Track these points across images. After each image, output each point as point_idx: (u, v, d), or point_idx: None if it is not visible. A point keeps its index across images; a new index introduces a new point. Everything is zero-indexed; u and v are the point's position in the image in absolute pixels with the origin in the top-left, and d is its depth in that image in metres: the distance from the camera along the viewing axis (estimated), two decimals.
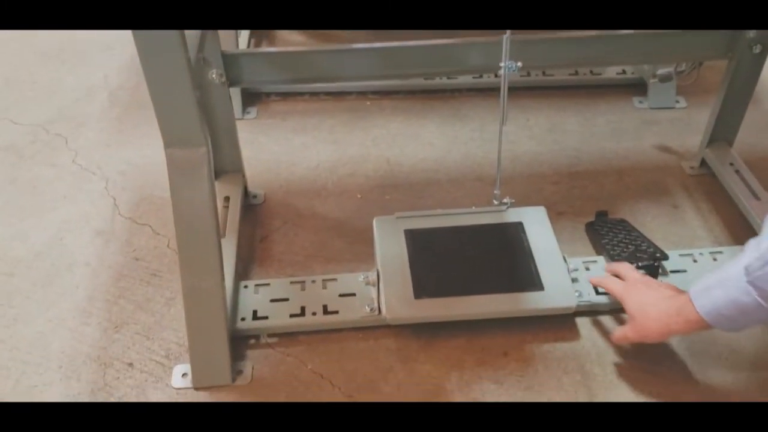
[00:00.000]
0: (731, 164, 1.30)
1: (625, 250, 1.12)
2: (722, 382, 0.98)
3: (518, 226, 1.13)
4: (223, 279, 0.97)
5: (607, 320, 1.07)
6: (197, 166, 0.91)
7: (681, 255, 1.14)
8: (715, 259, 1.14)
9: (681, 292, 0.91)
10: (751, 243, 0.82)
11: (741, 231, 1.21)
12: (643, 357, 1.01)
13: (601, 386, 0.98)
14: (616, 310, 1.07)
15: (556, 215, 1.24)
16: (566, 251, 1.10)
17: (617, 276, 1.03)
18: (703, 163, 1.35)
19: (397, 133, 1.46)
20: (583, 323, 1.07)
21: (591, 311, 1.07)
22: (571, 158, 1.39)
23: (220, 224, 1.16)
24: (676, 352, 1.02)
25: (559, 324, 1.06)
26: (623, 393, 0.97)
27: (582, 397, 0.97)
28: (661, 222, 1.25)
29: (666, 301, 0.91)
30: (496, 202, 1.16)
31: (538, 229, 1.13)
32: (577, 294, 1.05)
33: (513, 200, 1.16)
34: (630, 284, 0.99)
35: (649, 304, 0.93)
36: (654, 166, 1.37)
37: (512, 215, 1.15)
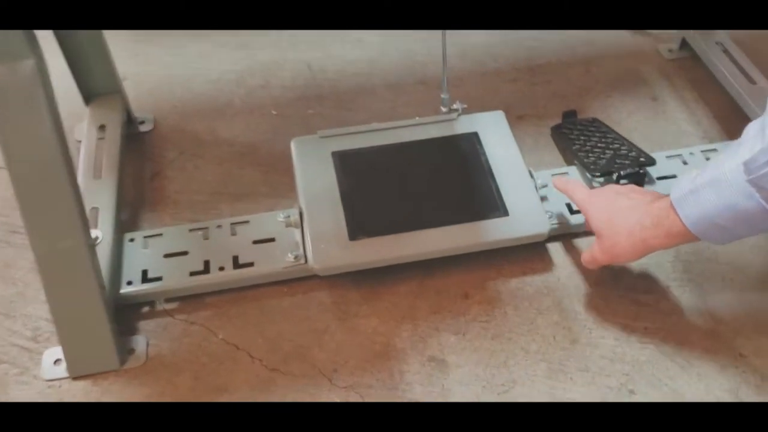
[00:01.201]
0: (718, 44, 1.09)
1: (601, 156, 0.92)
2: (731, 311, 0.81)
3: (473, 138, 0.91)
4: (87, 235, 0.72)
5: (585, 243, 0.87)
6: (25, 87, 0.65)
7: (668, 157, 0.94)
8: (707, 159, 0.95)
9: (658, 197, 0.73)
10: (750, 130, 0.63)
11: (734, 122, 1.02)
12: (630, 285, 0.83)
13: (584, 328, 0.80)
14: None
15: (515, 119, 1.02)
16: (531, 163, 0.89)
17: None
18: (684, 44, 1.14)
19: (320, 30, 1.19)
20: (555, 249, 0.87)
21: (566, 234, 0.87)
22: (530, 49, 1.16)
23: (94, 161, 0.92)
24: (669, 277, 0.84)
25: (528, 253, 0.86)
26: (611, 334, 0.79)
27: (563, 343, 0.78)
28: (639, 118, 1.04)
29: (639, 209, 0.72)
30: (444, 109, 0.93)
31: (497, 139, 0.91)
32: (548, 216, 0.84)
33: (465, 105, 0.93)
34: (595, 191, 0.79)
35: (618, 215, 0.74)
36: (626, 52, 1.16)
37: (465, 124, 0.92)
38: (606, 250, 0.75)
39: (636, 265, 0.85)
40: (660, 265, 0.85)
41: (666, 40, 1.17)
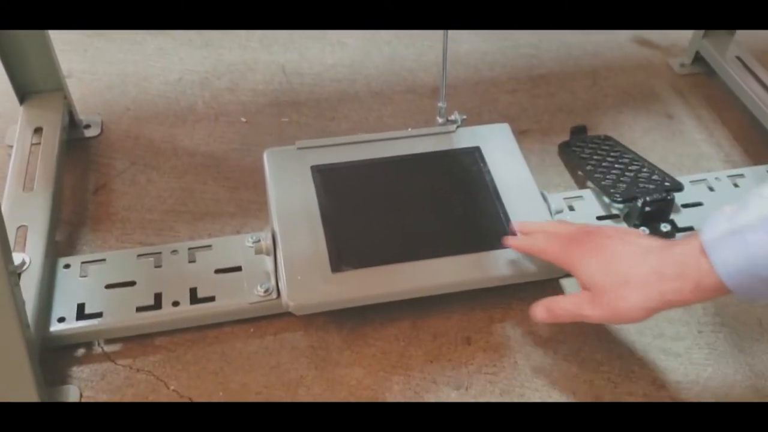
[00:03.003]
0: (738, 58, 0.99)
1: (620, 179, 0.80)
2: None
3: (474, 153, 0.79)
4: (8, 260, 0.58)
5: None
6: None
7: (692, 182, 0.83)
8: (736, 185, 0.84)
9: (664, 242, 0.59)
10: None
11: (757, 144, 0.92)
12: (658, 331, 0.71)
13: (608, 382, 0.68)
14: None
15: (517, 134, 0.90)
16: (537, 185, 0.77)
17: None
18: (698, 58, 1.04)
19: (303, 30, 1.06)
20: (571, 286, 0.75)
21: None
22: (529, 57, 1.05)
23: (26, 170, 0.78)
24: (700, 321, 0.72)
25: (539, 290, 0.73)
26: (639, 389, 0.67)
27: (584, 400, 0.66)
28: (655, 138, 0.94)
29: (653, 256, 0.57)
30: (440, 120, 0.81)
31: (503, 155, 0.79)
32: None
33: (464, 116, 0.81)
34: (576, 237, 0.62)
35: (622, 262, 0.58)
36: (634, 65, 1.05)
37: (465, 137, 0.80)
38: (607, 306, 0.58)
39: None
40: (689, 308, 0.73)
41: (677, 53, 1.07)
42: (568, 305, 0.62)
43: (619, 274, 0.57)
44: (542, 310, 0.64)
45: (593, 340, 0.70)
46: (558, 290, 0.74)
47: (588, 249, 0.60)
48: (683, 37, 1.08)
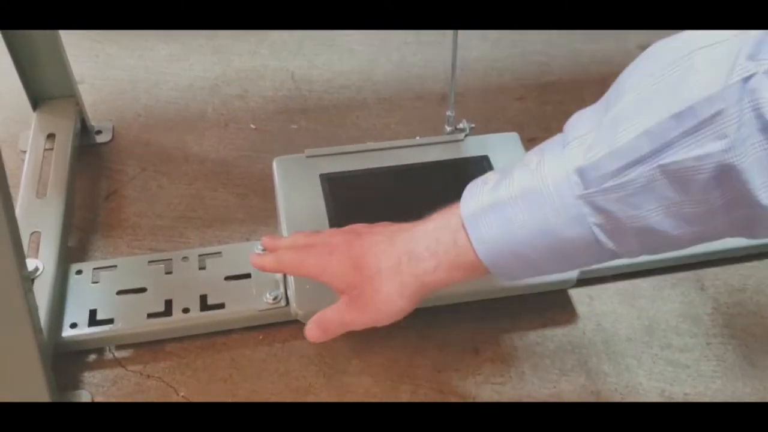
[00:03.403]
0: None
1: None
2: None
3: (483, 162, 0.79)
4: (22, 267, 0.58)
5: (613, 289, 0.75)
6: None
7: None
8: None
9: (422, 220, 0.52)
10: (580, 125, 0.44)
11: None
12: (666, 342, 0.71)
13: (615, 392, 0.68)
14: (628, 274, 0.76)
15: (526, 143, 0.90)
16: None
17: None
18: None
19: (305, 36, 1.06)
20: (579, 297, 0.75)
21: (591, 278, 0.76)
22: (538, 65, 1.05)
23: (39, 175, 0.79)
24: (709, 333, 0.72)
25: (548, 301, 0.74)
26: (646, 401, 0.67)
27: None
28: None
29: (402, 238, 0.50)
30: (448, 129, 0.81)
31: None
32: None
33: (473, 125, 0.81)
34: (321, 242, 0.55)
35: (369, 254, 0.51)
36: None
37: (473, 146, 0.81)
38: (364, 306, 0.51)
39: (671, 318, 0.73)
40: (698, 319, 0.74)
41: None
42: (331, 315, 0.54)
43: (370, 265, 0.50)
44: (312, 328, 0.56)
45: (601, 350, 0.70)
46: (566, 300, 0.74)
47: (335, 250, 0.53)
48: None
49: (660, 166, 0.39)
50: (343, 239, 0.54)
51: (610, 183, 0.41)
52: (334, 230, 0.57)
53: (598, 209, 0.42)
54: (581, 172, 0.42)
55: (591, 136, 0.42)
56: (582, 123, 0.44)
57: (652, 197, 0.40)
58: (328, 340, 0.56)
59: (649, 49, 0.44)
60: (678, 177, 0.39)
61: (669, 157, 0.39)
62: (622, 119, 0.41)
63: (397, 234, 0.51)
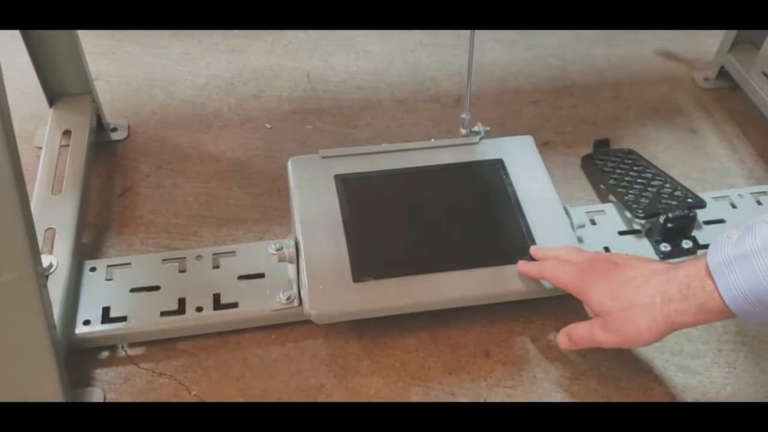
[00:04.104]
0: (763, 73, 0.98)
1: (643, 194, 0.80)
2: None
3: (497, 165, 0.79)
4: (37, 264, 0.59)
5: None
6: None
7: (714, 198, 0.83)
8: (759, 203, 0.84)
9: (671, 265, 0.59)
10: None
11: None
12: (677, 348, 0.71)
13: (626, 398, 0.67)
14: None
15: (540, 146, 0.89)
16: (560, 197, 0.78)
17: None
18: (722, 72, 1.03)
19: (320, 36, 1.07)
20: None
21: None
22: (553, 69, 1.05)
23: (55, 172, 0.79)
24: (720, 339, 0.72)
25: (559, 304, 0.73)
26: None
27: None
28: (677, 152, 0.93)
29: (658, 278, 0.58)
30: (463, 131, 0.81)
31: (526, 168, 0.79)
32: None
33: (488, 128, 0.81)
34: (585, 266, 0.64)
35: (628, 286, 0.59)
36: (658, 78, 1.05)
37: (488, 149, 0.80)
38: (616, 331, 0.59)
39: None
40: (709, 325, 0.73)
41: (701, 67, 1.06)
42: (582, 332, 0.63)
43: (626, 298, 0.59)
44: (563, 337, 0.66)
45: (613, 356, 0.70)
46: (578, 305, 0.74)
47: (596, 276, 0.62)
48: (708, 50, 1.07)
49: None
50: (605, 268, 0.62)
51: None
52: (595, 255, 0.66)
53: None
54: None
55: None
56: None
57: None
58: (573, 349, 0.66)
59: None
60: None
61: None
62: None
63: (652, 275, 0.58)
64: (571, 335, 0.65)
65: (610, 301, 0.60)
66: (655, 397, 0.67)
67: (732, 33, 1.00)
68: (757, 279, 0.50)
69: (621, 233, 0.78)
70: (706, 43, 1.09)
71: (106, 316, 0.69)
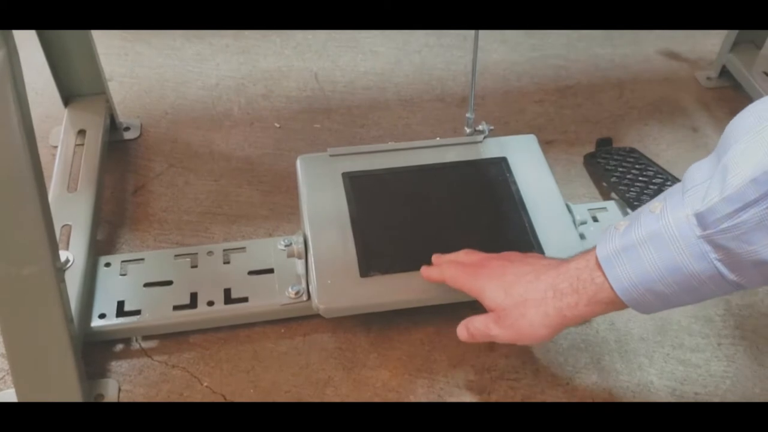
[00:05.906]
0: (765, 73, 1.00)
1: (644, 191, 0.82)
2: None
3: (501, 163, 0.81)
4: (55, 259, 0.61)
5: None
6: None
7: None
8: None
9: (563, 260, 0.59)
10: (697, 174, 0.49)
11: None
12: (677, 342, 0.73)
13: (627, 390, 0.69)
14: None
15: (543, 145, 0.91)
16: (563, 195, 0.79)
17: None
18: (724, 71, 1.04)
19: (328, 37, 1.09)
20: None
21: None
22: (557, 68, 1.07)
23: (70, 170, 0.81)
24: (720, 334, 0.73)
25: None
26: (658, 400, 0.68)
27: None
28: (679, 151, 0.95)
29: (549, 272, 0.58)
30: (468, 130, 0.83)
31: (529, 166, 0.81)
32: None
33: (492, 127, 0.83)
34: (480, 264, 0.64)
35: (520, 282, 0.59)
36: (661, 78, 1.06)
37: (492, 148, 0.82)
38: (510, 326, 0.59)
39: (683, 319, 0.74)
40: (709, 320, 0.75)
41: (704, 66, 1.08)
42: (478, 325, 0.62)
43: (518, 294, 0.59)
44: (462, 329, 0.64)
45: (613, 349, 0.72)
46: None
47: (490, 274, 0.62)
48: (710, 50, 1.09)
49: None
50: (498, 265, 0.62)
51: (726, 224, 0.46)
52: (491, 255, 0.65)
53: (718, 246, 0.48)
54: (700, 216, 0.48)
55: (706, 185, 0.48)
56: (698, 173, 0.50)
57: (764, 233, 0.45)
58: (471, 342, 0.64)
59: (750, 106, 0.48)
60: None
61: None
62: (730, 169, 0.46)
63: (543, 270, 0.59)
64: (469, 327, 0.63)
65: (503, 296, 0.59)
66: (656, 389, 0.69)
67: (733, 33, 1.02)
68: (645, 269, 0.51)
69: None
70: (708, 43, 1.10)
71: (120, 310, 0.71)
